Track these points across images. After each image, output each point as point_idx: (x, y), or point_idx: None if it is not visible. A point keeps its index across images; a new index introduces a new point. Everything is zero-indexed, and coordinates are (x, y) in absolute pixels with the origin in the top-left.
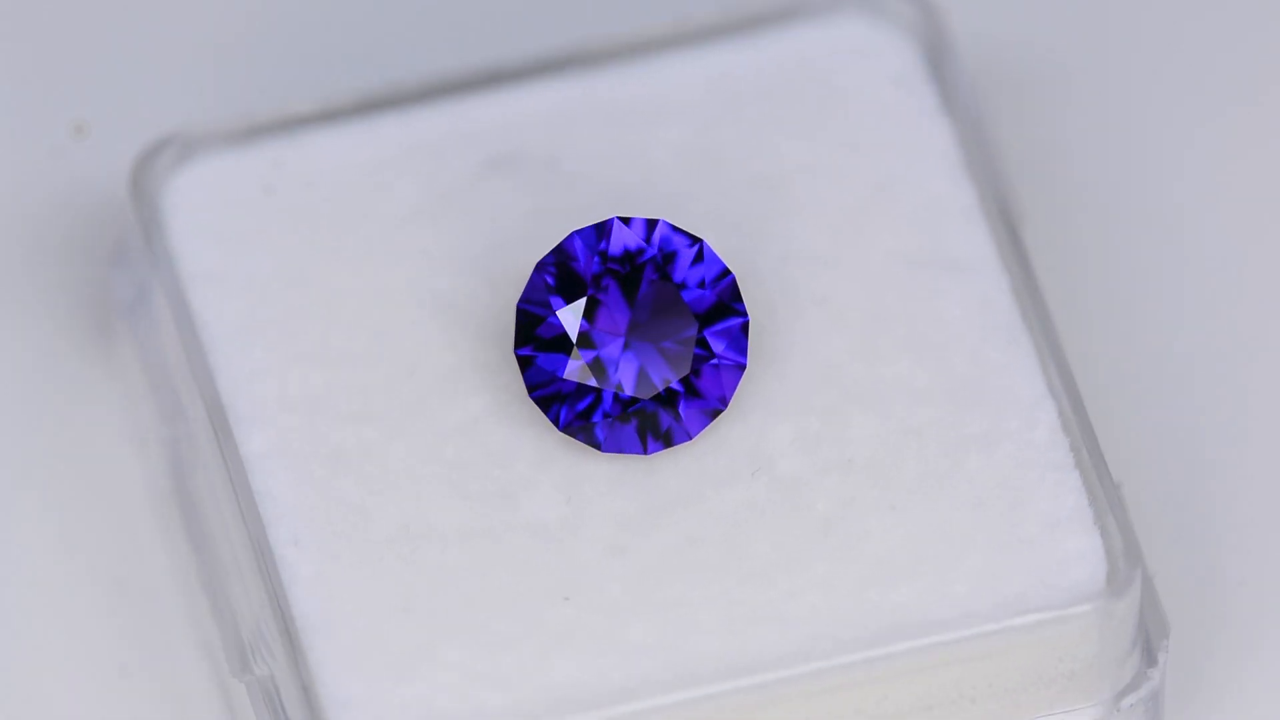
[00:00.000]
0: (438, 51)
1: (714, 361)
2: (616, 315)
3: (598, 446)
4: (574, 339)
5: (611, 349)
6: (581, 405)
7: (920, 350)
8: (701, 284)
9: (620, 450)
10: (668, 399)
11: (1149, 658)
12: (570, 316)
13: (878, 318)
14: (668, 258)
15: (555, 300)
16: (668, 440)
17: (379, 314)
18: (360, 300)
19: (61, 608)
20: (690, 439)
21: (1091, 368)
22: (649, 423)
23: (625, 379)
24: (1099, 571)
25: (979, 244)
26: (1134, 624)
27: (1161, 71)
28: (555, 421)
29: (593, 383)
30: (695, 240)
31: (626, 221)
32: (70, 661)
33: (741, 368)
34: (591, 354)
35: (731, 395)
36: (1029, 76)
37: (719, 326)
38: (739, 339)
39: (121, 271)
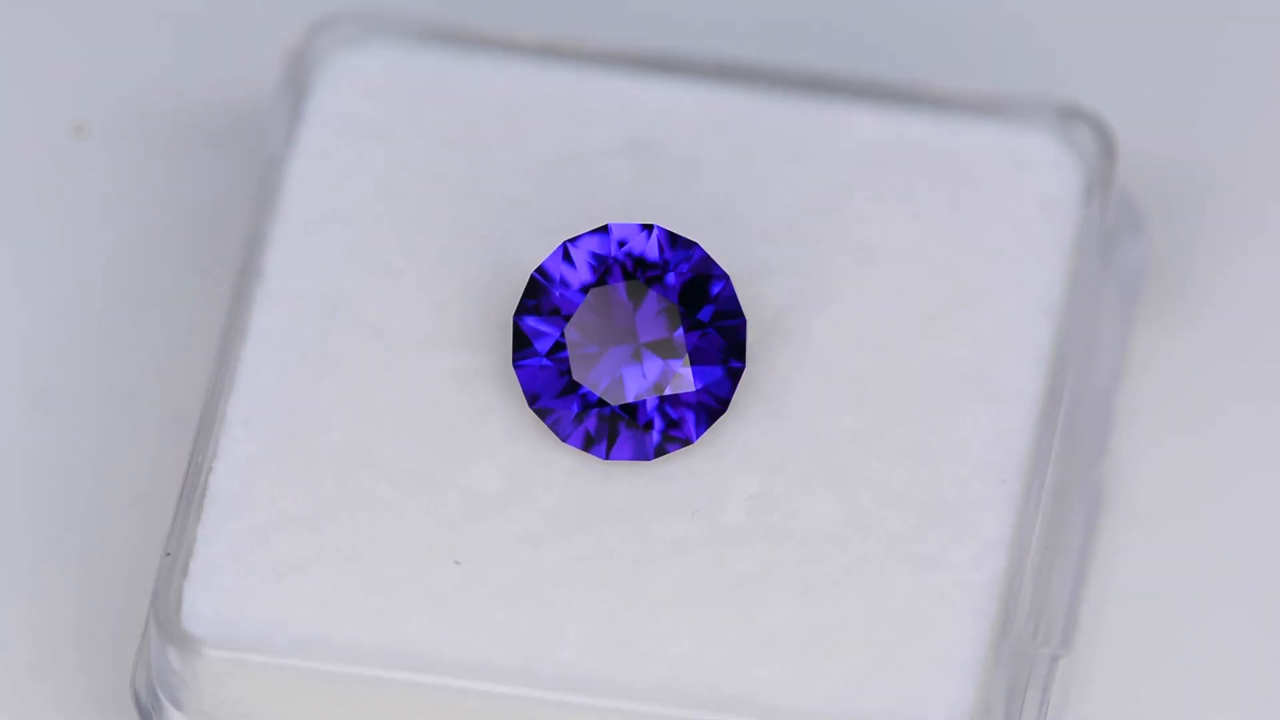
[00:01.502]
0: (625, 21)
1: (697, 395)
2: (618, 318)
3: (563, 437)
4: (569, 325)
5: (601, 349)
6: (559, 391)
7: (916, 458)
8: (711, 318)
9: (582, 447)
10: (642, 414)
11: None
12: (575, 302)
13: (894, 415)
14: (692, 283)
15: (568, 281)
16: (629, 454)
17: (441, 246)
18: (433, 228)
19: (115, 416)
20: (651, 460)
21: (1133, 535)
22: (616, 431)
23: (605, 381)
24: None
25: (1027, 383)
26: None
27: None
28: (528, 398)
29: (576, 375)
30: (723, 275)
31: (667, 234)
32: (94, 470)
33: (721, 409)
34: (583, 345)
35: (702, 432)
36: (1203, 210)
37: (715, 365)
38: (728, 381)
39: (272, 127)
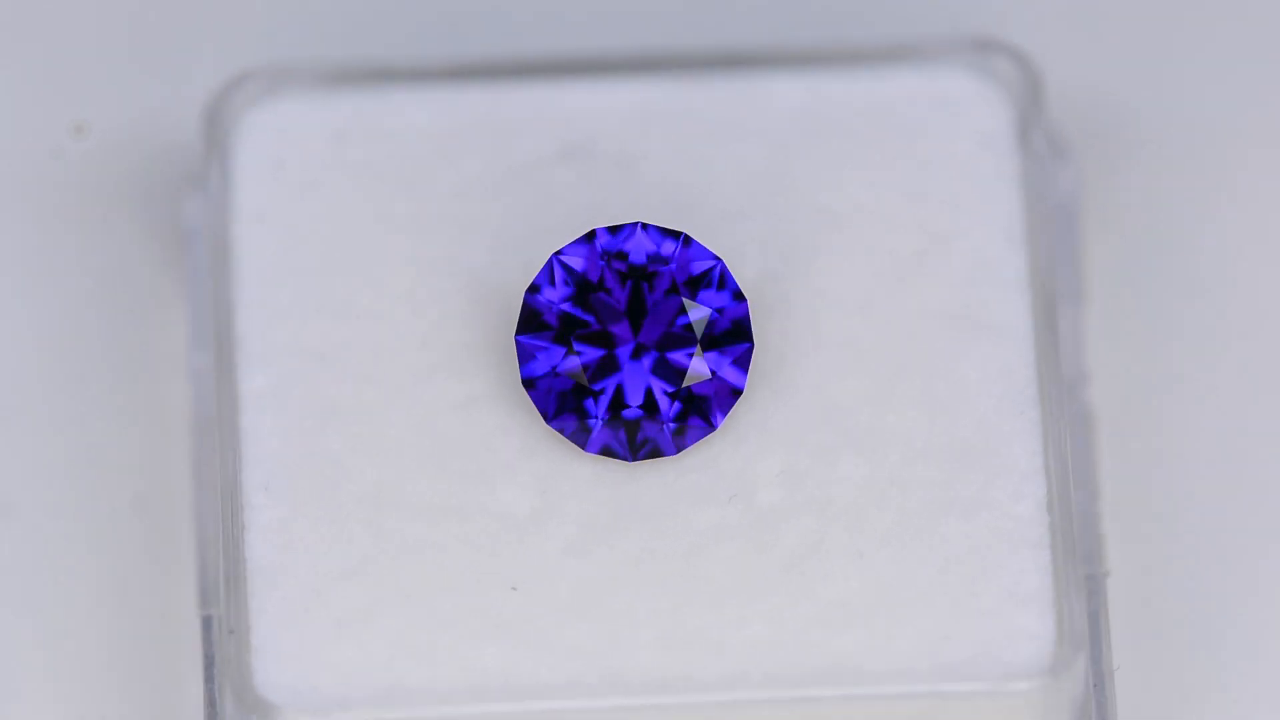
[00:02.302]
0: (534, 30)
1: (711, 382)
2: (623, 319)
3: (583, 446)
4: (574, 335)
5: (612, 352)
6: (572, 402)
7: (930, 406)
8: (716, 303)
9: (604, 453)
10: (659, 411)
11: None
12: (575, 312)
13: (897, 367)
14: (685, 273)
15: (563, 293)
16: (652, 452)
17: (409, 281)
18: (396, 263)
19: (80, 517)
20: (674, 454)
21: (1124, 452)
22: (635, 431)
23: (622, 383)
24: (1044, 652)
25: (1016, 313)
26: (1073, 710)
27: (1267, 148)
28: (544, 414)
29: (587, 383)
30: (715, 260)
31: (653, 229)
32: (70, 571)
33: (737, 393)
34: (592, 353)
35: (723, 418)
36: (1128, 136)
37: (723, 349)
38: (740, 364)
39: (192, 200)
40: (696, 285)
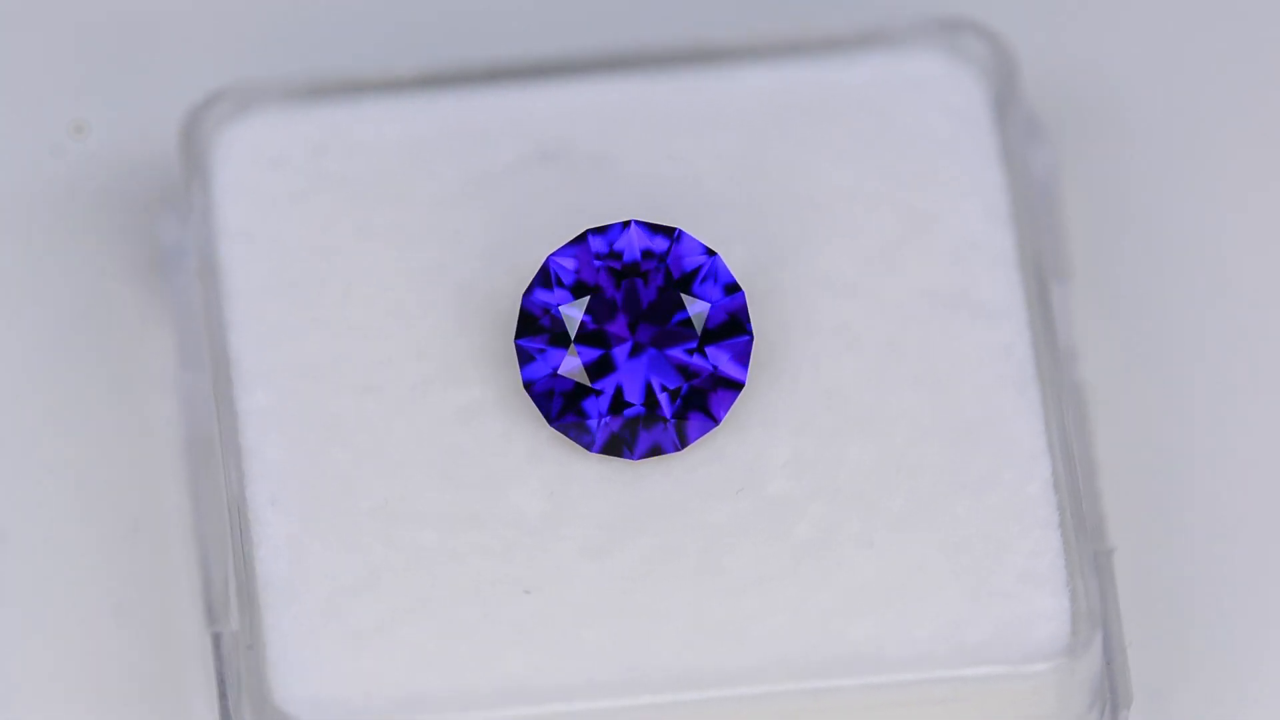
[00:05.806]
0: (503, 35)
1: (713, 376)
2: (620, 318)
3: (588, 447)
4: (573, 336)
5: (610, 351)
6: (576, 404)
7: (931, 387)
8: (711, 297)
9: (610, 453)
10: (662, 407)
11: None
12: (573, 313)
13: (893, 350)
14: (679, 268)
15: (561, 296)
16: (657, 449)
17: (400, 292)
18: (384, 275)
19: (74, 540)
20: (679, 450)
21: (1116, 428)
22: (641, 429)
23: (621, 382)
24: (1062, 632)
25: (1008, 292)
26: (1091, 688)
27: (1245, 120)
28: (547, 417)
29: (588, 382)
30: (711, 253)
31: (644, 226)
32: (68, 596)
33: (740, 385)
34: (590, 354)
35: (726, 412)
36: (1102, 113)
37: (723, 342)
38: (741, 356)
39: (168, 218)
40: (690, 279)
